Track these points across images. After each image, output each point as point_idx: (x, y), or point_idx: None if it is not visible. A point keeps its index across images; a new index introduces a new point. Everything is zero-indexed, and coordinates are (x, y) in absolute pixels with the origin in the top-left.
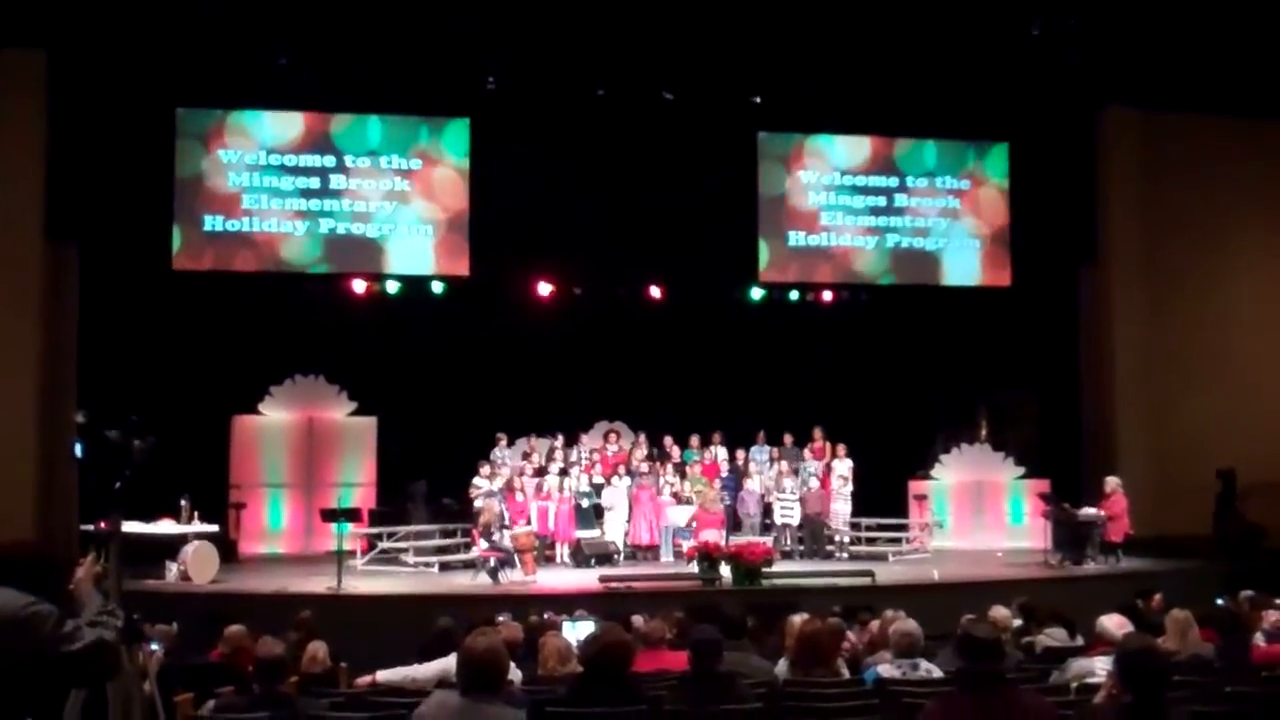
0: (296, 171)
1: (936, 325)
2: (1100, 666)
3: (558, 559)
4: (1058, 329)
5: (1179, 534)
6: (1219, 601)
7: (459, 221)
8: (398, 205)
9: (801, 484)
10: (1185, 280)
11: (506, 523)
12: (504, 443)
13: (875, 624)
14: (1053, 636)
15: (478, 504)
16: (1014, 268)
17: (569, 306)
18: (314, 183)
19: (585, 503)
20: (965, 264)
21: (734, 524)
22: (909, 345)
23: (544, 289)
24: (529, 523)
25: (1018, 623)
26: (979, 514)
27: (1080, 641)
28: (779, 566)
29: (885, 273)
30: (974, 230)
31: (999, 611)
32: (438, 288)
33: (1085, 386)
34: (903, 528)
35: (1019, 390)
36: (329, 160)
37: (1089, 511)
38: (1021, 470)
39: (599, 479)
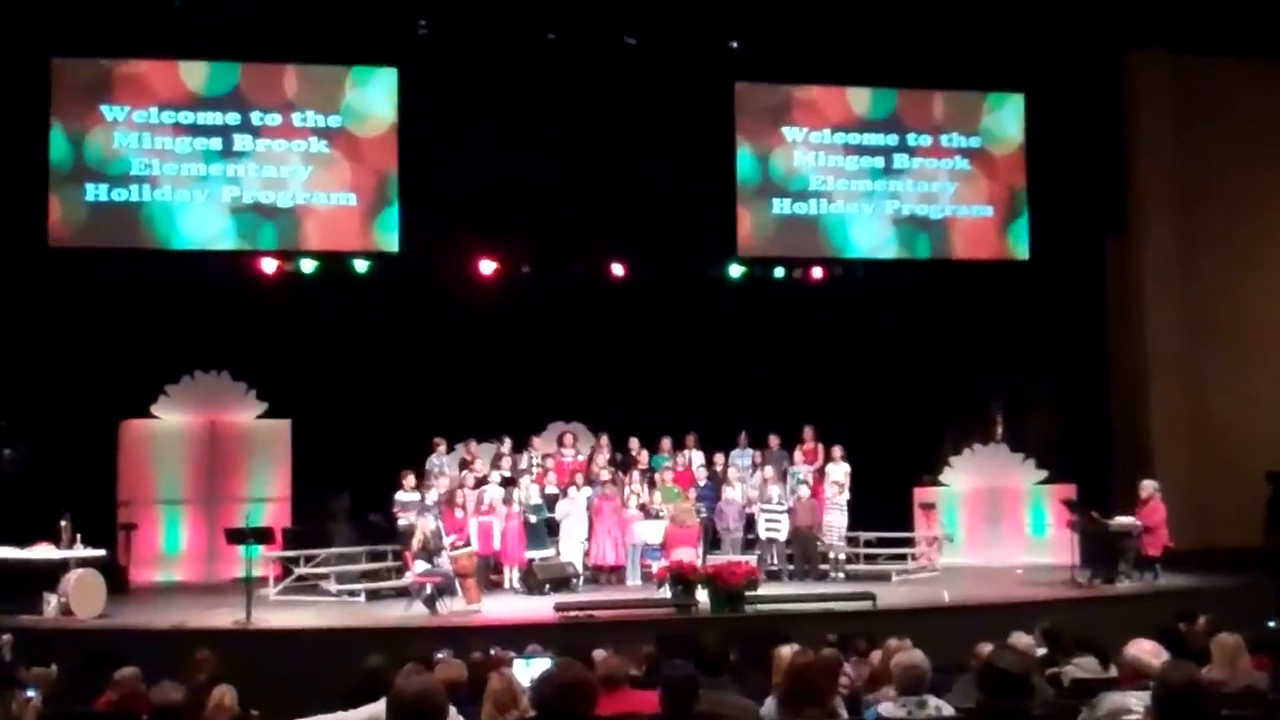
0: (195, 131)
1: (944, 305)
2: (1137, 701)
3: (506, 584)
4: (1082, 308)
5: (1226, 546)
6: (1271, 624)
7: (387, 189)
8: (315, 170)
9: (790, 493)
10: (1227, 250)
11: (444, 543)
12: (441, 449)
13: (877, 655)
14: (1082, 667)
15: (404, 521)
16: (1032, 238)
17: (516, 288)
18: (216, 144)
19: (536, 518)
20: (976, 235)
21: (712, 540)
22: (913, 329)
23: (487, 267)
24: (470, 543)
25: (1042, 651)
26: (995, 525)
27: (1113, 672)
28: (765, 589)
29: (885, 245)
30: (986, 195)
31: (1020, 639)
32: (362, 266)
33: (1115, 374)
34: (908, 542)
35: (1039, 379)
36: (233, 118)
37: (1122, 521)
38: (1043, 473)
39: (553, 490)
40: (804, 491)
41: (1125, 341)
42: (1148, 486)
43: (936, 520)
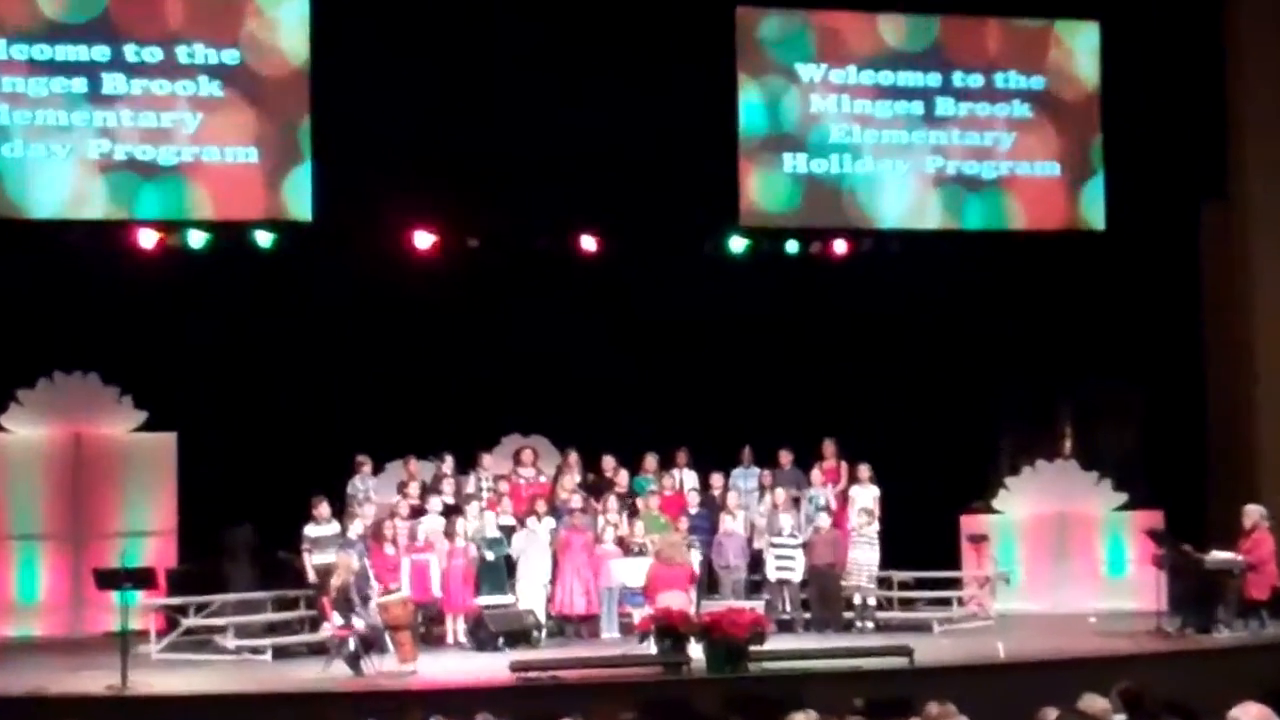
0: (53, 69)
1: (999, 288)
2: None
3: (449, 637)
4: (1171, 291)
5: None
6: None
7: (297, 143)
8: (206, 118)
9: (807, 522)
10: None
11: (372, 587)
12: (366, 469)
13: None
14: None
15: (320, 560)
16: (1109, 204)
17: (461, 267)
18: (80, 85)
19: (490, 555)
20: (1040, 199)
21: (709, 582)
22: (960, 318)
23: (423, 241)
24: (403, 587)
25: (1119, 718)
26: (1062, 562)
27: None
28: (774, 643)
29: (925, 213)
30: (1053, 150)
31: (1094, 702)
32: (266, 240)
33: (1212, 374)
34: (953, 584)
35: (1117, 381)
36: (101, 52)
37: (1221, 556)
38: (1122, 498)
39: (508, 520)
40: (823, 521)
41: (1225, 333)
42: (1253, 514)
43: (989, 556)
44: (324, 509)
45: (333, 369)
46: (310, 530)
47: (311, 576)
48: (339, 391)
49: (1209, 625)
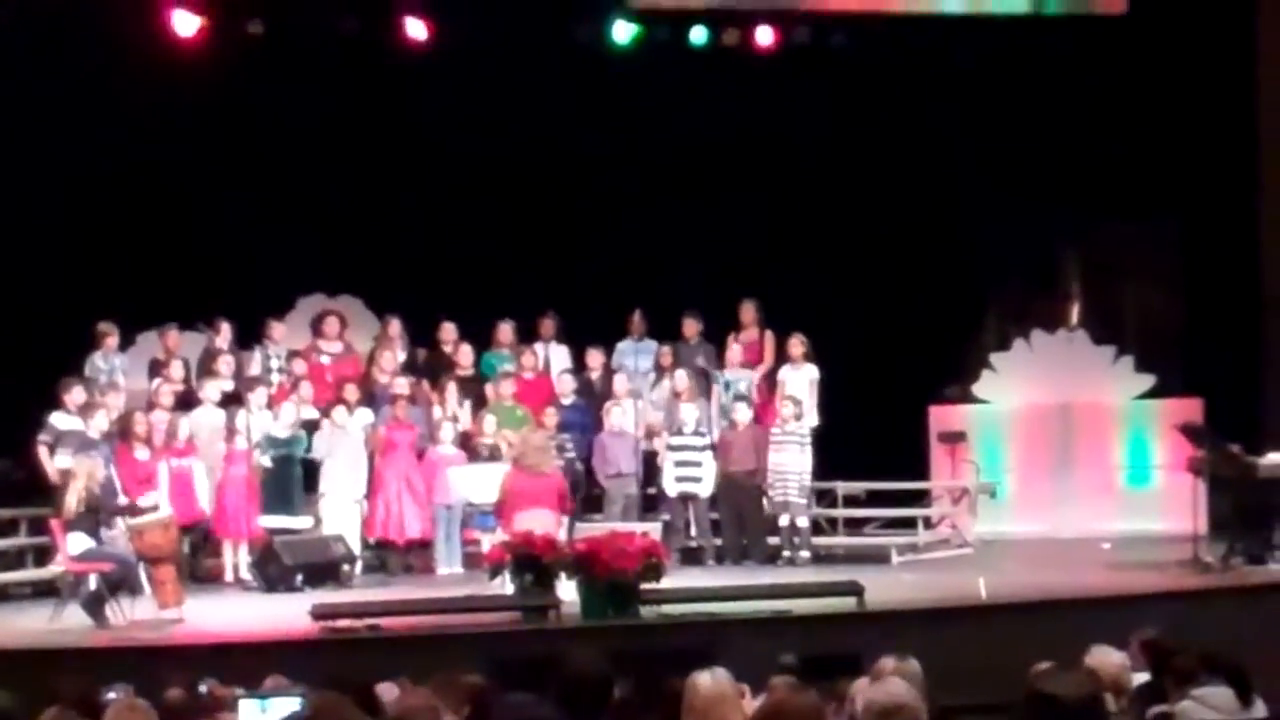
0: None
1: (983, 96)
2: None
3: (227, 573)
4: (1214, 99)
5: None
6: None
7: None
8: None
9: (720, 416)
10: None
11: (119, 502)
12: (111, 342)
13: (862, 688)
14: (1207, 702)
15: (55, 466)
16: None
17: (241, 61)
18: None
19: (278, 460)
20: None
21: (586, 498)
22: (929, 135)
23: (186, 24)
24: (156, 505)
25: (1141, 677)
26: (1066, 468)
27: (1261, 711)
28: (674, 580)
29: None
30: None
31: (1105, 657)
32: None
33: (1269, 212)
34: (919, 498)
35: (1141, 222)
36: None
37: (1278, 460)
38: (1148, 380)
39: (309, 412)
40: (741, 414)
41: None
42: None
43: (967, 462)
44: (77, 394)
45: (64, 200)
46: (59, 420)
47: (55, 478)
48: (73, 234)
49: (1263, 553)
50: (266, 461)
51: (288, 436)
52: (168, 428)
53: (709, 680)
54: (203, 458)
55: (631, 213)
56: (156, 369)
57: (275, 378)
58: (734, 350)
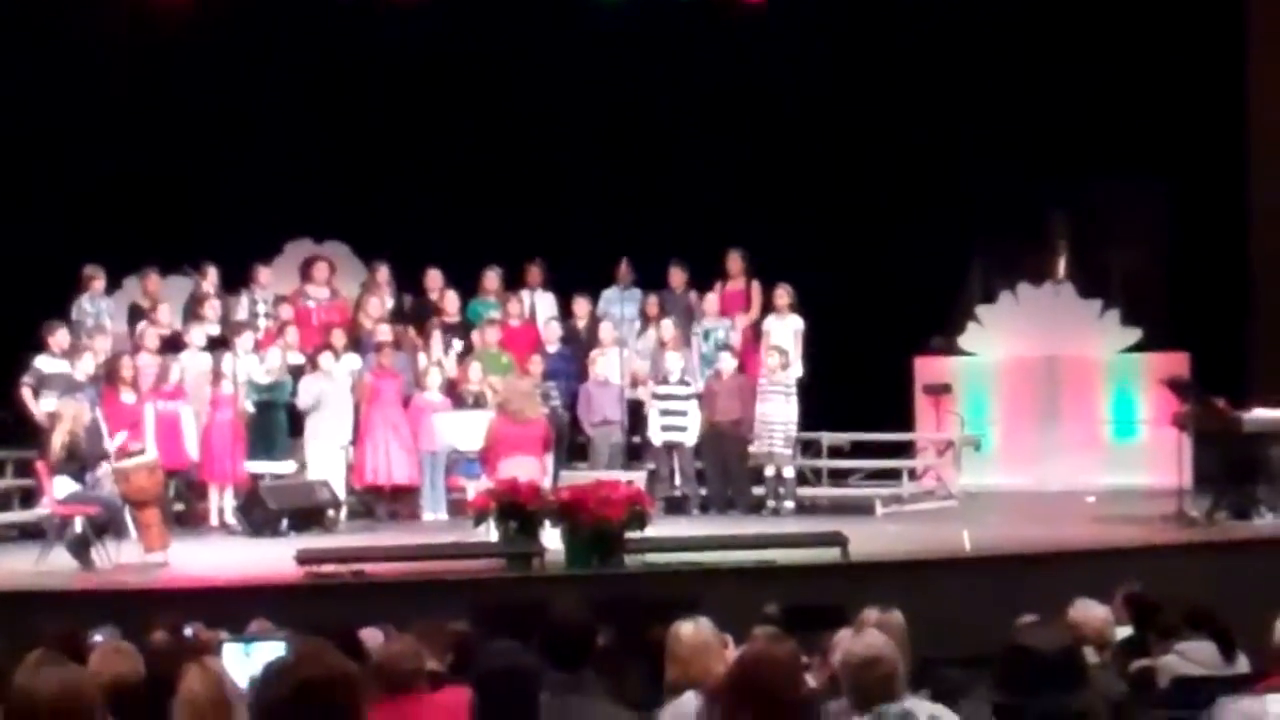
0: None
1: (971, 50)
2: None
3: (212, 517)
4: (1202, 53)
5: None
6: None
7: None
8: None
9: (704, 365)
10: None
11: (106, 446)
12: (98, 285)
13: (844, 639)
14: (1190, 657)
15: (40, 410)
16: None
17: (229, 6)
18: None
19: (264, 405)
20: None
21: (571, 446)
22: (918, 88)
23: None
24: (142, 449)
25: (1124, 631)
26: (1051, 421)
27: (1243, 666)
28: (658, 529)
29: None
30: None
31: (1088, 610)
32: None
33: (1258, 165)
34: (903, 450)
35: (1129, 177)
36: None
37: (1266, 415)
38: (1134, 334)
39: (295, 357)
40: (726, 363)
41: (1276, 113)
42: None
43: (952, 413)
44: (62, 337)
45: (50, 147)
46: (44, 363)
47: (41, 419)
48: (60, 179)
49: (1247, 507)
50: (250, 407)
51: (272, 382)
52: (158, 370)
53: (692, 630)
54: (189, 402)
55: (618, 162)
56: (138, 314)
57: (262, 322)
58: (710, 300)
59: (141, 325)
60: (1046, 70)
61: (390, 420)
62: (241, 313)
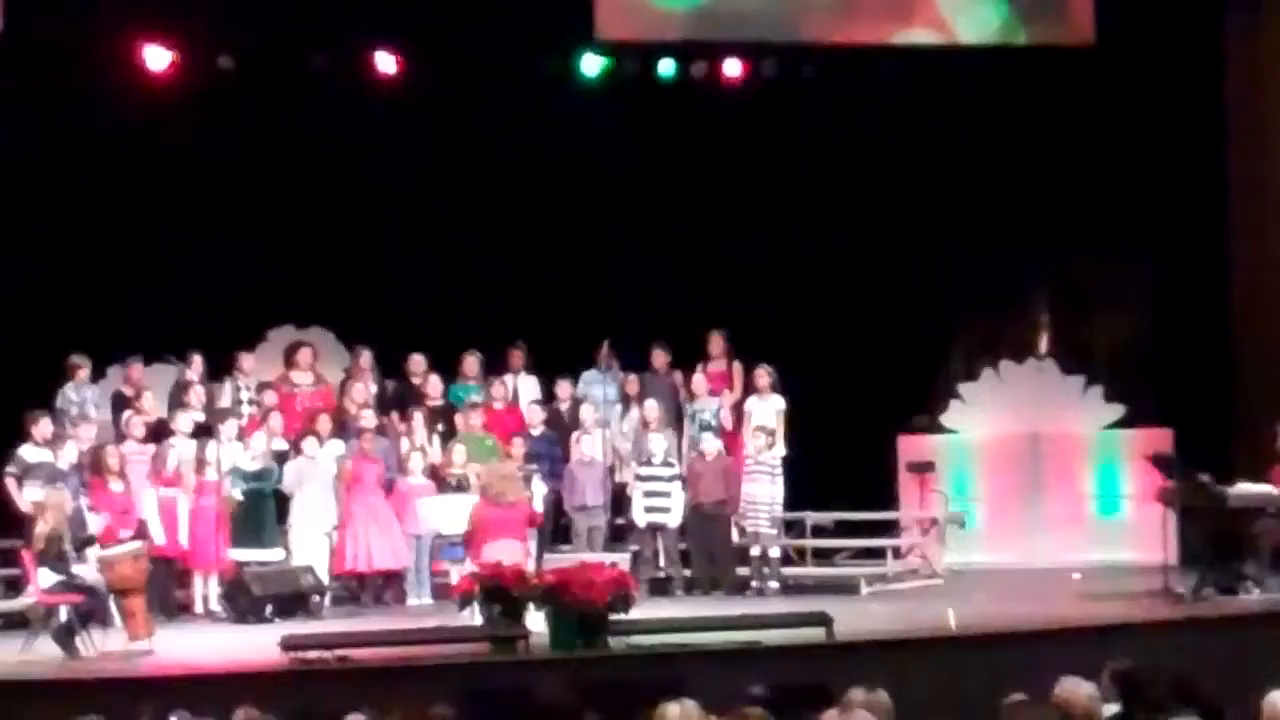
0: None
1: (951, 126)
2: None
3: (196, 605)
4: (1185, 131)
5: None
6: None
7: None
8: None
9: (689, 447)
10: None
11: (91, 533)
12: (83, 375)
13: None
14: None
15: (25, 499)
16: (1100, 10)
17: (211, 94)
18: None
19: (249, 492)
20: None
21: (555, 529)
22: (897, 165)
23: (157, 59)
24: (142, 535)
25: (1112, 709)
26: (1035, 498)
27: None
28: (643, 611)
29: (848, 24)
30: None
31: (1075, 688)
32: None
33: (1238, 243)
34: (888, 529)
35: (1111, 252)
36: None
37: (1250, 490)
38: (1117, 410)
39: (279, 443)
40: (710, 444)
41: (1256, 187)
42: None
43: (936, 492)
44: (45, 426)
45: (34, 234)
46: (27, 452)
47: (26, 508)
48: (45, 268)
49: (1234, 583)
50: (238, 495)
51: (259, 469)
52: (155, 457)
53: (678, 712)
54: (175, 487)
55: (600, 243)
56: (121, 402)
57: (246, 409)
58: (700, 380)
59: (127, 414)
60: (1027, 143)
61: (371, 506)
62: (225, 400)
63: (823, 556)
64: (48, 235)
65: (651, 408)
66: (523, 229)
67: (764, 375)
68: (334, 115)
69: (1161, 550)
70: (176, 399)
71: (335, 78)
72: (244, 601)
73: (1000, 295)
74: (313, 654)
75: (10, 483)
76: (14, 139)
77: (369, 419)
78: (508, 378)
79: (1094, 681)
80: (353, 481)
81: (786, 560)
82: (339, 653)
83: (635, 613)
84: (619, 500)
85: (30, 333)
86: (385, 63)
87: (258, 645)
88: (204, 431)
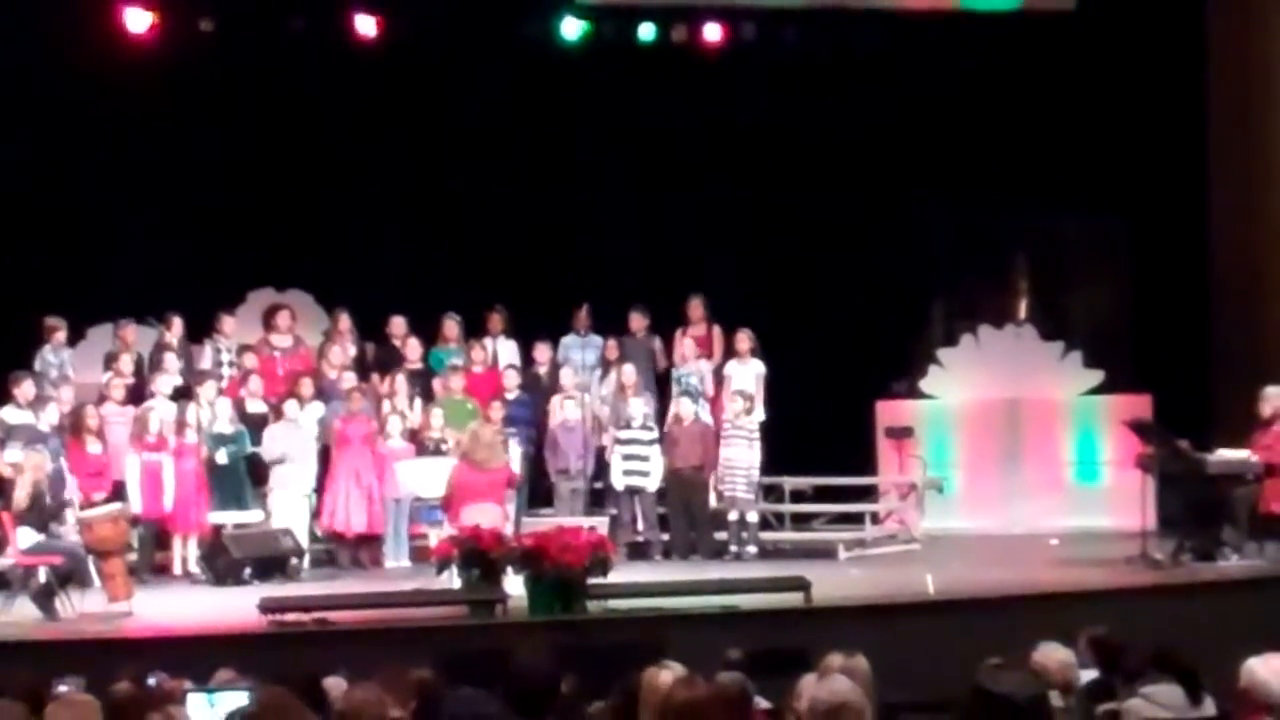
0: None
1: (931, 91)
2: None
3: (176, 567)
4: (1166, 98)
5: None
6: None
7: None
8: None
9: (668, 413)
10: None
11: (70, 497)
12: (60, 337)
13: (809, 684)
14: (1156, 700)
15: (7, 458)
16: None
17: (191, 56)
18: None
19: (228, 453)
20: None
21: (533, 493)
22: (877, 130)
23: (138, 21)
24: (119, 496)
25: (1089, 674)
26: (1014, 464)
27: (1209, 709)
28: (622, 574)
29: None
30: None
31: (1052, 654)
32: None
33: (1218, 210)
34: (866, 494)
35: (1089, 218)
36: None
37: (1228, 457)
38: (1097, 376)
39: (258, 406)
40: (688, 409)
41: (1238, 154)
42: (1273, 398)
43: (915, 457)
44: (28, 388)
45: (11, 195)
46: (9, 414)
47: (5, 470)
48: (22, 228)
49: (1212, 549)
50: (222, 458)
51: (237, 431)
52: (137, 420)
53: (666, 676)
54: (167, 452)
55: (578, 206)
56: (108, 362)
57: (226, 371)
58: (688, 344)
59: (107, 375)
60: (1007, 110)
61: (356, 468)
62: (205, 362)
63: (801, 521)
64: (26, 197)
65: (629, 372)
66: (502, 192)
67: (745, 339)
68: (314, 78)
69: (1140, 516)
70: (156, 361)
71: (315, 40)
72: (222, 564)
73: (980, 261)
74: (291, 616)
75: None
76: None
77: (351, 380)
78: (487, 341)
79: (1071, 648)
80: (340, 441)
81: (764, 525)
82: (318, 615)
83: (613, 577)
84: (598, 464)
85: (6, 294)
86: (365, 25)
87: (236, 607)
88: (183, 394)
